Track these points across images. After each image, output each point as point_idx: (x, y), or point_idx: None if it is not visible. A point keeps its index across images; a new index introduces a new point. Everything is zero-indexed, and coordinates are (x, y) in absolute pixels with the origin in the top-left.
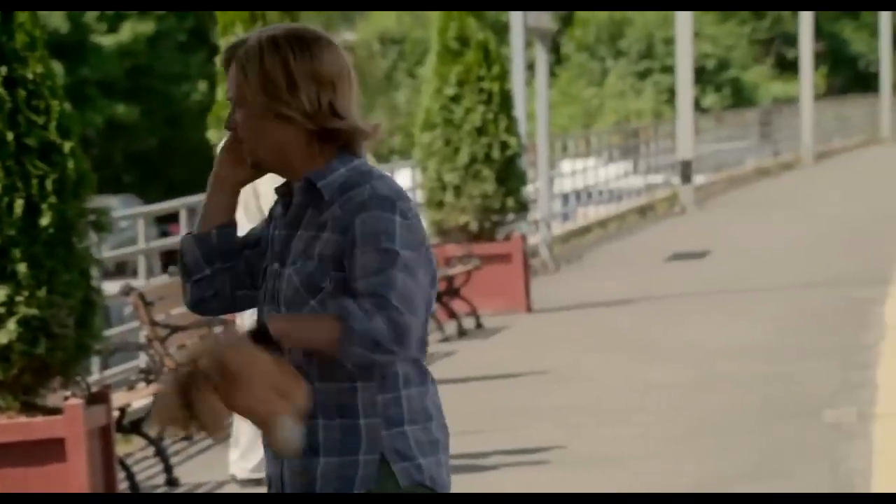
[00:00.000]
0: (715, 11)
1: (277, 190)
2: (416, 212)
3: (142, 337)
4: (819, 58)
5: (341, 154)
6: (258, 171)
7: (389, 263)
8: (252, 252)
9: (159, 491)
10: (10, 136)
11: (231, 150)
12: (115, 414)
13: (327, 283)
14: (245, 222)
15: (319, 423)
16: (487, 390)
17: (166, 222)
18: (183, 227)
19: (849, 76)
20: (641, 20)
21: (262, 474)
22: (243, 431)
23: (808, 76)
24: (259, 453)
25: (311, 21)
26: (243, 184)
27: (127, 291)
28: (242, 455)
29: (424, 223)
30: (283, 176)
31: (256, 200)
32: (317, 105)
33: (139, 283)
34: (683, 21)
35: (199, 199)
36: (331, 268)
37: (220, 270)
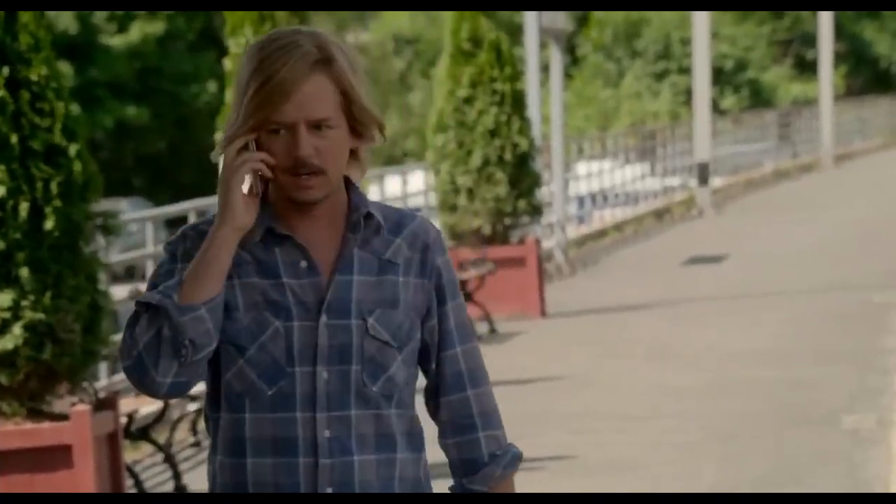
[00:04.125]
0: (733, 11)
1: (266, 223)
2: None
3: None
4: (839, 58)
5: (353, 182)
6: (256, 212)
7: (472, 333)
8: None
9: None
10: (14, 138)
11: (251, 192)
12: (123, 420)
13: (417, 336)
14: None
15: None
16: (501, 396)
17: (175, 225)
18: None
19: (869, 77)
20: (658, 20)
21: None
22: None
23: (827, 77)
24: None
25: (322, 21)
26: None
27: (135, 296)
28: None
29: (438, 226)
30: (321, 211)
31: None
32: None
33: None
34: (701, 21)
35: (208, 201)
36: (417, 318)
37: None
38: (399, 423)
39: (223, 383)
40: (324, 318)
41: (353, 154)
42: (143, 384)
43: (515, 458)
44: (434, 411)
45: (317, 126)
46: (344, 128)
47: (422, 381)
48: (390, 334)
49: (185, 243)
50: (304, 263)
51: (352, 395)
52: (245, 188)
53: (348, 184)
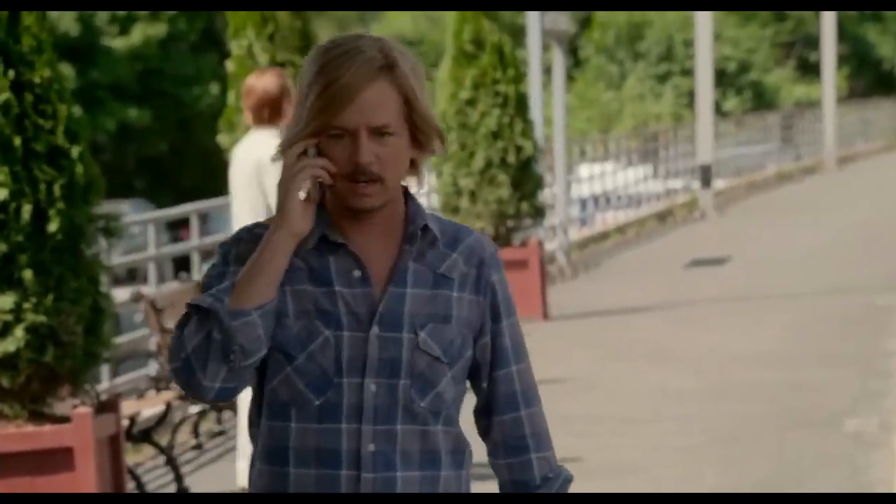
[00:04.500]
0: (736, 13)
1: (321, 230)
2: None
3: (152, 344)
4: (842, 60)
5: (411, 194)
6: (313, 218)
7: (526, 352)
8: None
9: None
10: (17, 140)
11: (308, 198)
12: (125, 422)
13: (469, 353)
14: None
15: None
16: None
17: (177, 228)
18: (194, 233)
19: (872, 79)
20: (661, 22)
21: None
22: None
23: (830, 79)
24: None
25: (323, 24)
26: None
27: (137, 298)
28: None
29: None
30: (378, 220)
31: (264, 199)
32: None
33: (150, 289)
34: (703, 23)
35: (210, 204)
36: (470, 335)
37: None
38: (445, 441)
39: (267, 391)
40: (375, 330)
41: (412, 165)
42: (191, 387)
43: (567, 482)
44: (485, 430)
45: (378, 133)
46: (405, 136)
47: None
48: (441, 350)
49: (239, 247)
50: (357, 273)
51: (399, 409)
52: (302, 194)
53: (407, 194)
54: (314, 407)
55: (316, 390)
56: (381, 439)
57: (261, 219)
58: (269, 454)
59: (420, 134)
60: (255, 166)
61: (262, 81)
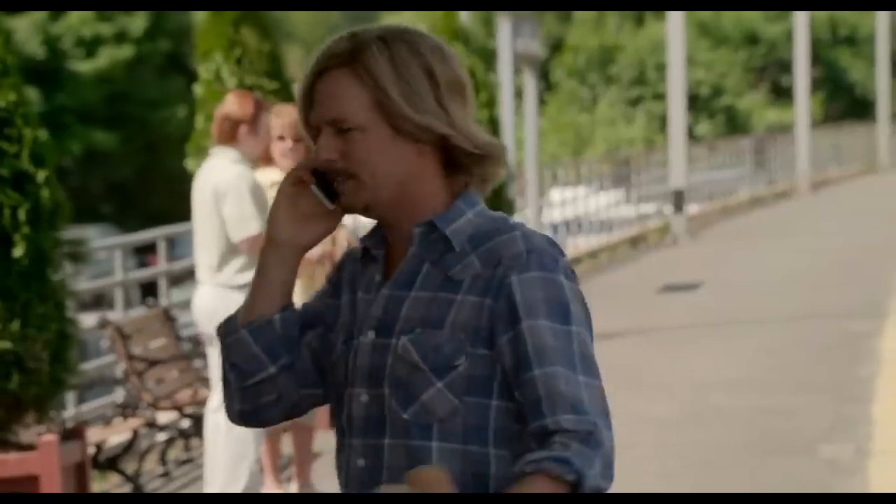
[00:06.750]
0: (709, 36)
1: (363, 241)
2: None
3: (119, 371)
4: (816, 85)
5: (465, 194)
6: (332, 225)
7: (572, 358)
8: (315, 334)
9: None
10: None
11: (293, 201)
12: (92, 450)
13: (463, 360)
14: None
15: None
16: None
17: (144, 253)
18: (161, 258)
19: (846, 103)
20: (632, 46)
21: None
22: (219, 467)
23: (803, 103)
24: (240, 481)
25: (291, 48)
26: (309, 247)
27: (104, 324)
28: (222, 489)
29: None
30: (392, 222)
31: (222, 228)
32: (455, 120)
33: (116, 315)
34: (676, 47)
35: (178, 229)
36: (468, 341)
37: (284, 367)
38: (445, 458)
39: None
40: (370, 336)
41: (449, 164)
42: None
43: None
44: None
45: (339, 128)
46: (381, 130)
47: None
48: (421, 356)
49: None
50: (377, 277)
51: (387, 421)
52: (327, 202)
53: (457, 197)
54: (338, 423)
55: (337, 404)
56: (370, 454)
57: (219, 248)
58: None
59: (403, 127)
60: (212, 193)
61: (233, 102)
